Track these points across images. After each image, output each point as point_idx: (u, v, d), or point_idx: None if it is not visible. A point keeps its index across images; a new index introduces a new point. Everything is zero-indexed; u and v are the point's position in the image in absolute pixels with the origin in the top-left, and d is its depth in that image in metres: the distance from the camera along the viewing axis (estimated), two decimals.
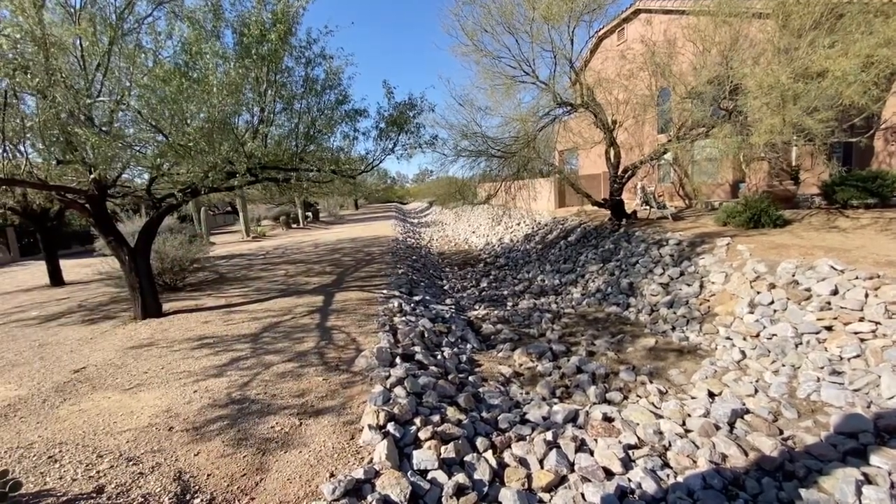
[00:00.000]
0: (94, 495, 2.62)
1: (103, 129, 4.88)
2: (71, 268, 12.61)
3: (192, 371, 4.48)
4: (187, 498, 2.63)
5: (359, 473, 2.85)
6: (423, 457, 3.18)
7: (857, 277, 5.55)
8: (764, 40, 8.00)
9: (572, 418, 4.25)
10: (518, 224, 18.52)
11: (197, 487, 2.73)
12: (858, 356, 4.64)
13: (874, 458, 3.28)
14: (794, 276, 6.17)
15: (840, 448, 3.50)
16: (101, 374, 4.53)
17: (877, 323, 4.87)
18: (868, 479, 3.11)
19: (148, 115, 4.98)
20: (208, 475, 2.84)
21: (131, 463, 2.93)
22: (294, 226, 26.89)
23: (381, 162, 7.89)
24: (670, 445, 3.86)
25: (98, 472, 2.83)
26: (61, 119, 4.60)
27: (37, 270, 13.07)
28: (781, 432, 3.95)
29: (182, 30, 5.21)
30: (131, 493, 2.65)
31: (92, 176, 5.28)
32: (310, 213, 30.98)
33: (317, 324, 6.01)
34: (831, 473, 3.23)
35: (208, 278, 9.94)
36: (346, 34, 34.93)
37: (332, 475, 2.87)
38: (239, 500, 2.65)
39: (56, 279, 10.43)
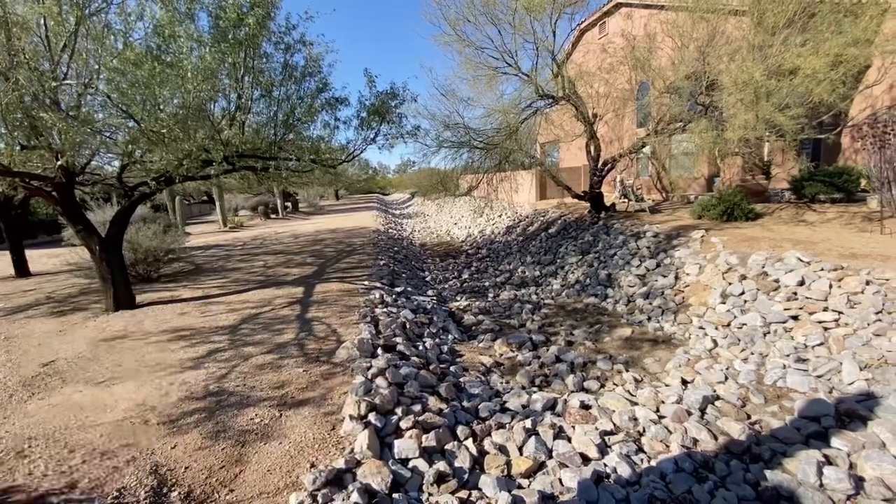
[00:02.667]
0: (67, 490, 2.56)
1: (70, 113, 4.67)
2: (38, 258, 12.13)
3: (167, 363, 4.40)
4: (164, 491, 2.60)
5: (340, 463, 2.86)
6: (404, 446, 3.20)
7: (822, 269, 5.77)
8: (739, 37, 8.18)
9: (551, 406, 4.34)
10: (500, 216, 18.60)
11: (174, 480, 2.69)
12: (822, 344, 4.86)
13: (835, 441, 3.45)
14: (763, 267, 6.39)
15: (803, 431, 3.67)
16: (71, 367, 4.40)
17: (840, 312, 5.09)
18: (829, 461, 3.27)
19: (118, 99, 4.78)
20: (186, 468, 2.81)
21: (105, 457, 2.87)
22: (273, 216, 26.43)
23: (362, 152, 7.81)
24: (645, 431, 3.98)
25: (70, 466, 2.77)
26: (25, 102, 4.40)
27: (0, 261, 12.53)
28: (749, 417, 4.12)
29: (154, 11, 5.01)
30: (106, 487, 2.60)
31: (59, 162, 5.08)
32: (289, 204, 30.46)
33: (297, 315, 5.95)
34: (795, 455, 3.39)
35: (184, 269, 9.70)
36: (327, 21, 34.19)
37: (312, 466, 2.87)
38: (218, 493, 2.63)
39: (21, 270, 10.00)
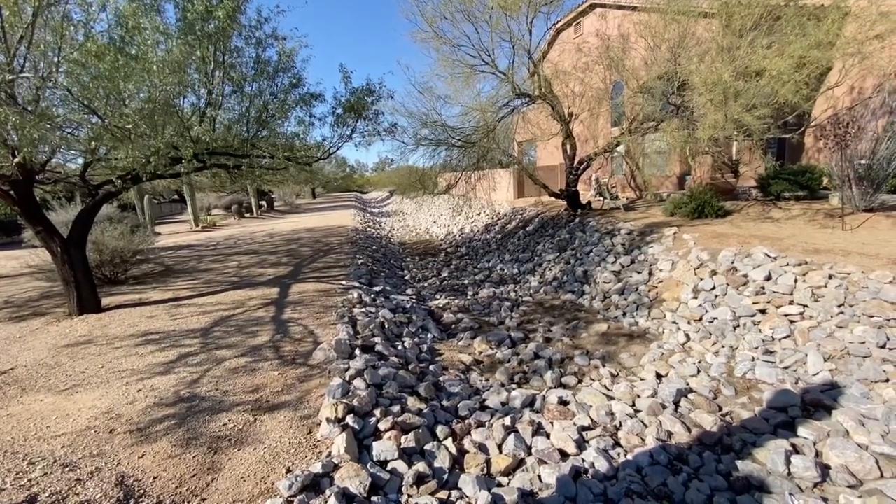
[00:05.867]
0: None
1: (27, 108, 4.44)
2: None
3: (135, 369, 4.23)
4: (131, 503, 2.49)
5: (317, 468, 2.80)
6: (382, 448, 3.17)
7: (787, 264, 5.98)
8: (709, 39, 8.38)
9: (530, 403, 4.37)
10: (478, 214, 18.65)
11: (142, 491, 2.59)
12: (788, 336, 5.03)
13: (801, 430, 3.58)
14: (733, 263, 6.58)
15: (772, 421, 3.79)
16: (31, 375, 4.19)
17: (804, 306, 5.29)
18: (796, 450, 3.39)
19: (79, 93, 4.56)
20: (154, 478, 2.70)
21: (67, 469, 2.74)
22: (247, 215, 25.81)
23: (338, 149, 7.69)
24: (621, 425, 4.05)
25: (30, 480, 2.63)
26: None
27: None
28: (721, 409, 4.24)
29: (117, 2, 4.80)
30: (68, 500, 2.47)
31: (16, 160, 4.82)
32: (264, 202, 29.81)
33: (272, 317, 5.82)
34: (764, 445, 3.50)
35: (153, 271, 9.38)
36: (301, 16, 33.58)
37: (288, 471, 2.81)
38: (189, 502, 2.54)
39: None
